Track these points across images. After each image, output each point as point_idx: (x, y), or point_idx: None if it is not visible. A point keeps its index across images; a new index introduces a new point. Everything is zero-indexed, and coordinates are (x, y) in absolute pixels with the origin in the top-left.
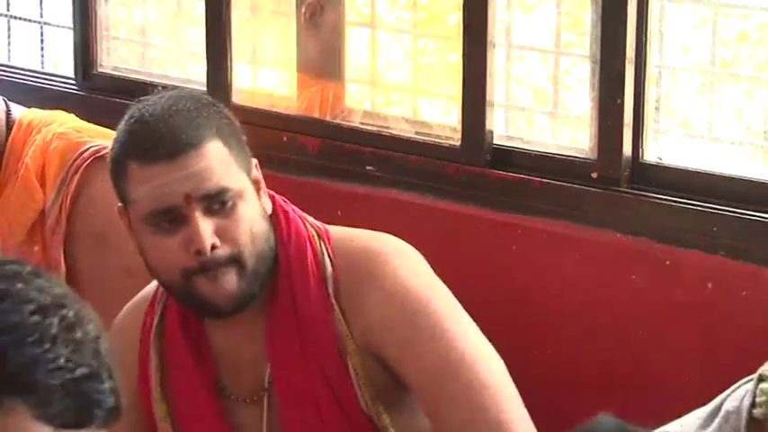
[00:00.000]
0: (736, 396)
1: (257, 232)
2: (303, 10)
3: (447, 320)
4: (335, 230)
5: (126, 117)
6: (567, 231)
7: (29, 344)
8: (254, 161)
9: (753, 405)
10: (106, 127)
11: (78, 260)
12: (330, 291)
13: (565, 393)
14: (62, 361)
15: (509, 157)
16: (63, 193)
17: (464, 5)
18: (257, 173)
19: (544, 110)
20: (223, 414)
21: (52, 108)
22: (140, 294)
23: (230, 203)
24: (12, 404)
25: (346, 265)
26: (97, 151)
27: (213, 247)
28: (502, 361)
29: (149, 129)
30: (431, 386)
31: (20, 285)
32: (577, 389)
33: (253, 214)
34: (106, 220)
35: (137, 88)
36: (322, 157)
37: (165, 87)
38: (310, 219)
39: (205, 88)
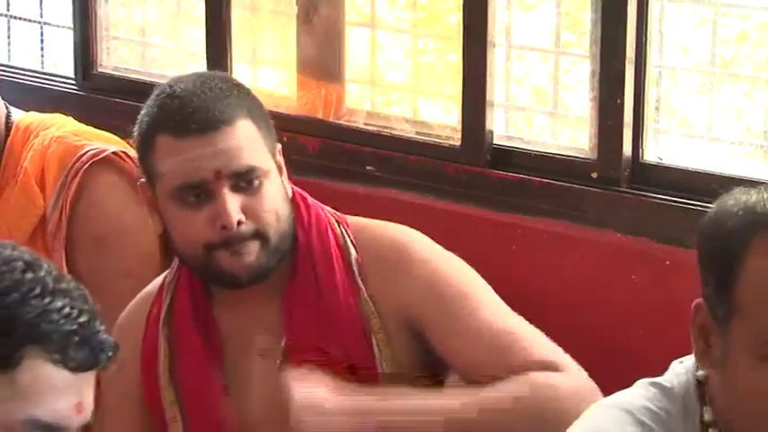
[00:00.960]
0: (687, 363)
1: (281, 212)
2: (297, 10)
3: (482, 299)
4: (352, 219)
5: (155, 93)
6: (567, 231)
7: (34, 298)
8: (279, 146)
9: (696, 369)
10: (106, 127)
11: (78, 263)
12: (356, 273)
13: None
14: (67, 310)
15: (509, 157)
16: (63, 198)
17: (464, 5)
18: (280, 157)
19: (544, 110)
20: (230, 399)
21: (52, 108)
22: (144, 291)
23: (257, 182)
24: (34, 353)
25: (371, 250)
26: (96, 154)
27: (239, 223)
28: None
29: (182, 103)
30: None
31: None
32: None
33: (276, 194)
34: (106, 223)
35: (137, 88)
36: (322, 157)
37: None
38: (327, 207)
39: None
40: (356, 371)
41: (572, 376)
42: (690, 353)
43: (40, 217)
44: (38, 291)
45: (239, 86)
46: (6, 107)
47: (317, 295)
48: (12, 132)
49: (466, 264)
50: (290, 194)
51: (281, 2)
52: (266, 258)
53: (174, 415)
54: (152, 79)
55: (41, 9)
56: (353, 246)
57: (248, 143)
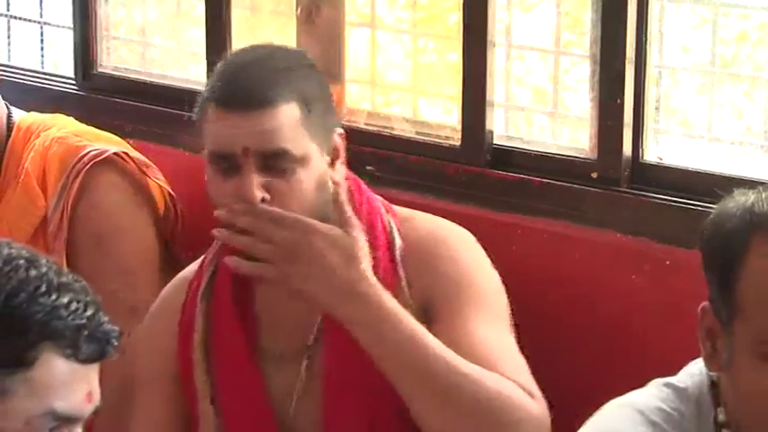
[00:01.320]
0: (702, 364)
1: (312, 201)
2: (299, 10)
3: (489, 317)
4: (399, 209)
5: (227, 58)
6: (567, 231)
7: (41, 296)
8: (340, 131)
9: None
10: (106, 127)
11: (78, 263)
12: (399, 263)
13: (564, 394)
14: (74, 305)
15: (509, 157)
16: (64, 199)
17: (464, 5)
18: (339, 142)
19: (544, 110)
20: (259, 372)
21: (52, 108)
22: (180, 275)
23: (289, 167)
24: (47, 350)
25: (412, 241)
26: (97, 155)
27: (263, 200)
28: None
29: (235, 76)
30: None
31: None
32: (577, 389)
33: (309, 182)
34: (106, 223)
35: (137, 88)
36: None
37: (164, 87)
38: (377, 196)
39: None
40: None
41: (541, 409)
42: (690, 352)
43: (42, 218)
44: (44, 288)
45: (305, 67)
46: (7, 107)
47: None
48: (13, 133)
49: (496, 277)
50: (341, 179)
51: (281, 2)
52: None
53: (206, 390)
54: (152, 79)
55: (41, 9)
56: (399, 235)
57: (287, 128)
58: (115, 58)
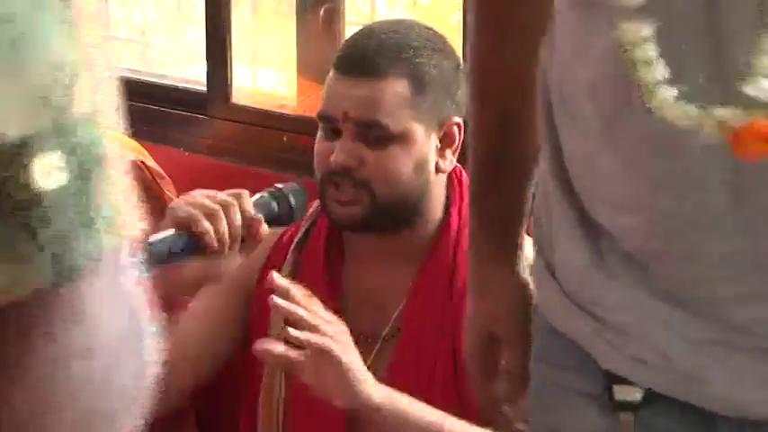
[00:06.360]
0: None
1: (407, 180)
2: (321, 11)
3: None
4: None
5: (365, 25)
6: None
7: None
8: (457, 120)
9: None
10: None
11: None
12: None
13: None
14: None
15: None
16: None
17: (464, 5)
18: (455, 131)
19: None
20: None
21: None
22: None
23: (384, 140)
24: None
25: None
26: None
27: (350, 168)
28: None
29: (359, 44)
30: None
31: None
32: None
33: (408, 161)
34: None
35: (137, 88)
36: None
37: (164, 87)
38: None
39: (205, 88)
40: (460, 377)
41: None
42: None
43: None
44: None
45: (431, 49)
46: None
47: (448, 285)
48: None
49: None
50: (447, 169)
51: (281, 2)
52: (369, 212)
53: (279, 332)
54: (152, 79)
55: None
56: None
57: (390, 102)
58: (115, 58)
